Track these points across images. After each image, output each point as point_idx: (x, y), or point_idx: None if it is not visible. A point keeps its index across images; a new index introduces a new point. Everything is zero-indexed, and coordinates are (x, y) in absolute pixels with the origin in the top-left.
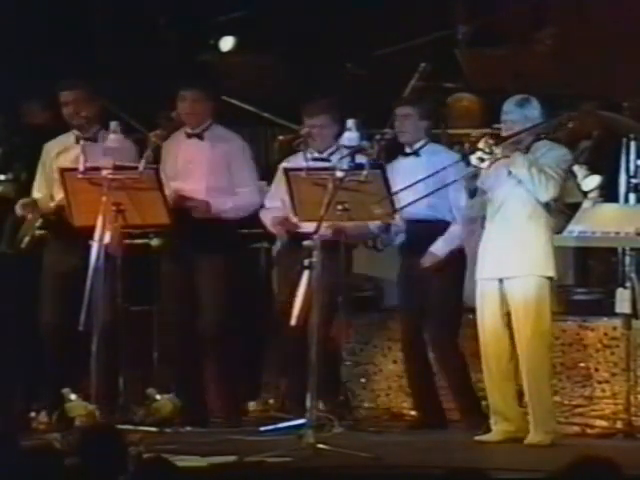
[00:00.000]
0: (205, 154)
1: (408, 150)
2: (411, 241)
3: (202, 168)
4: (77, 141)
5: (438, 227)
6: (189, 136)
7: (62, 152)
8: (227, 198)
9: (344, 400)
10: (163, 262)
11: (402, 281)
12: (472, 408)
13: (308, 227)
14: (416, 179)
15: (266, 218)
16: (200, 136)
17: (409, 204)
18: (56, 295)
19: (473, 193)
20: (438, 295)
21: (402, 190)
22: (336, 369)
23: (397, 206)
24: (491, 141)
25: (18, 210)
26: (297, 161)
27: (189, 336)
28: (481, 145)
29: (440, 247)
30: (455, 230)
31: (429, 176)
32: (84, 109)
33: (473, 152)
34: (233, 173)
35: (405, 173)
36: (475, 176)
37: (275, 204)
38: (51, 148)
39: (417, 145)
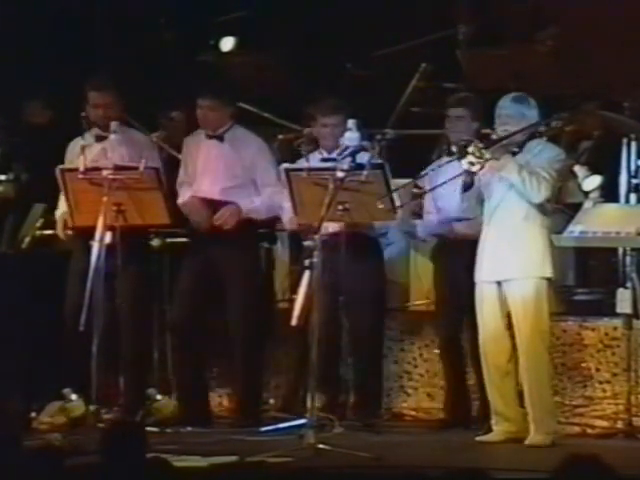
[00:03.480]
0: (223, 155)
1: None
2: (445, 241)
3: (219, 169)
4: (97, 139)
5: None
6: (210, 137)
7: (84, 150)
8: (253, 197)
9: (344, 400)
10: (183, 260)
11: (439, 282)
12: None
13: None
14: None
15: (286, 218)
16: (220, 138)
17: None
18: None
19: (468, 186)
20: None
21: (431, 190)
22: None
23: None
24: (480, 145)
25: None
26: (303, 164)
27: (192, 335)
28: (470, 149)
29: (460, 226)
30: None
31: (453, 177)
32: (111, 111)
33: (463, 156)
34: (258, 174)
35: (446, 172)
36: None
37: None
38: (74, 147)
39: None
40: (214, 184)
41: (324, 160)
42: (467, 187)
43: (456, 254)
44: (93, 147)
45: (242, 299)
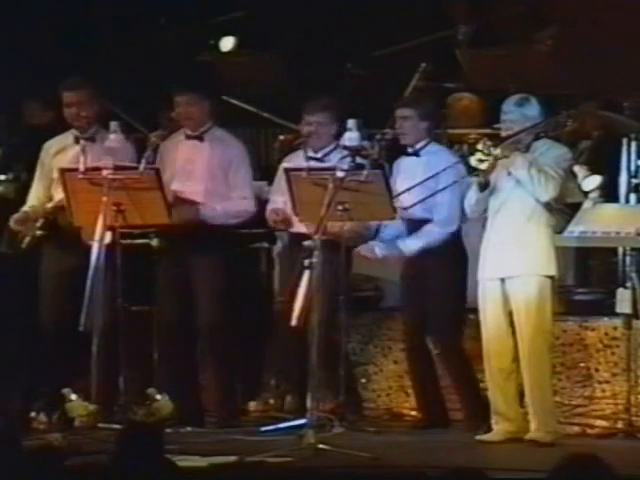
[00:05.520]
0: (204, 156)
1: (410, 150)
2: None
3: (201, 170)
4: (76, 141)
5: None
6: (188, 137)
7: (60, 151)
8: (217, 203)
9: (344, 400)
10: (161, 262)
11: (404, 281)
12: (477, 409)
13: (301, 227)
14: (414, 179)
15: (267, 212)
16: (200, 138)
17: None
18: (55, 295)
19: (484, 187)
20: (440, 295)
21: (402, 193)
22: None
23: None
24: (489, 142)
25: (13, 225)
26: (296, 159)
27: (187, 336)
28: (480, 147)
29: (408, 244)
30: (430, 229)
31: (427, 179)
32: (86, 110)
33: (472, 154)
34: (230, 177)
35: (405, 173)
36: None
37: (278, 199)
38: (49, 147)
39: (418, 145)
40: (197, 185)
41: (309, 159)
42: (483, 187)
43: (420, 253)
44: (72, 149)
45: (208, 301)
